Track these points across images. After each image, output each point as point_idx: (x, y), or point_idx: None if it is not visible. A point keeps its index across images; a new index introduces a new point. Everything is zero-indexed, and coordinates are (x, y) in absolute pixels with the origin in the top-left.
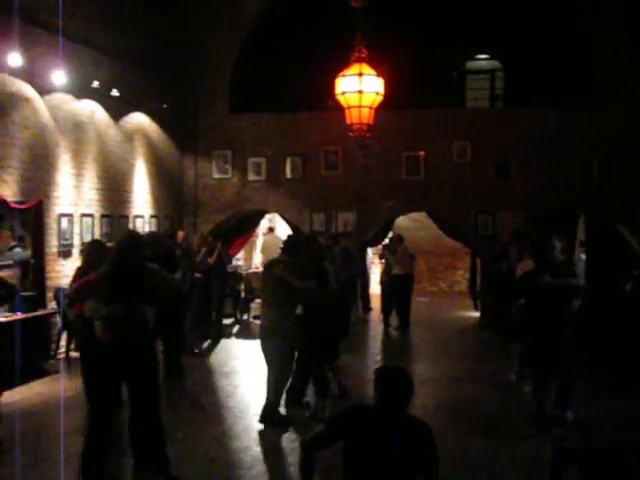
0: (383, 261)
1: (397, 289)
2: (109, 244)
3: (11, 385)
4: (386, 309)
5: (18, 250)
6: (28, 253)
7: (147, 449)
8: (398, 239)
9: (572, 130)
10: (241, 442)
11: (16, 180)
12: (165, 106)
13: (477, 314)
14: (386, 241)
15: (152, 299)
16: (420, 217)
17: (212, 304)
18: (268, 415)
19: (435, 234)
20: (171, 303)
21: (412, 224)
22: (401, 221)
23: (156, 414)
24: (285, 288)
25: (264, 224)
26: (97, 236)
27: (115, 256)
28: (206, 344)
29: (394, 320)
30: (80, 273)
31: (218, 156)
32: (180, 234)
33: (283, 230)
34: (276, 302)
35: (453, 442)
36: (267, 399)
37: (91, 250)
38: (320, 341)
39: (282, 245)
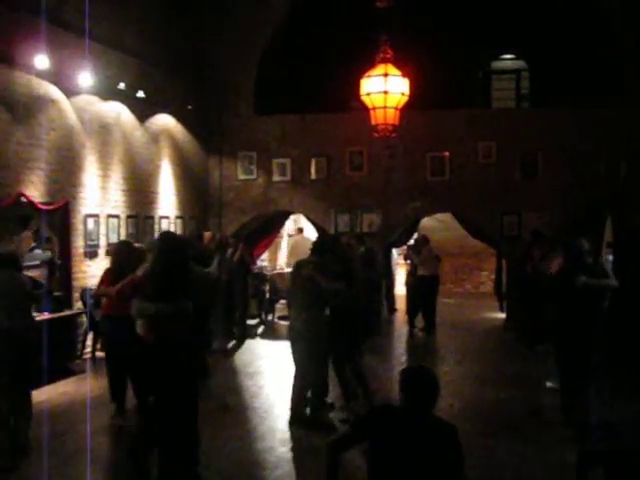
0: (408, 262)
1: (422, 290)
2: (137, 244)
3: (38, 385)
4: (411, 311)
5: (38, 252)
6: (48, 254)
7: (180, 449)
8: (423, 240)
9: (599, 130)
10: (266, 443)
11: (43, 181)
12: (190, 107)
13: (503, 315)
14: (411, 242)
15: (195, 297)
16: (445, 218)
17: (236, 305)
18: (296, 416)
19: (460, 235)
20: (208, 301)
21: (437, 225)
22: (426, 222)
23: (194, 418)
24: (314, 289)
25: (289, 225)
26: (123, 237)
27: (161, 255)
28: (231, 344)
29: (419, 322)
30: (110, 275)
31: (243, 157)
32: (207, 235)
33: (309, 231)
34: (305, 304)
35: (479, 444)
36: (292, 401)
37: (119, 251)
38: (346, 342)
39: (311, 246)
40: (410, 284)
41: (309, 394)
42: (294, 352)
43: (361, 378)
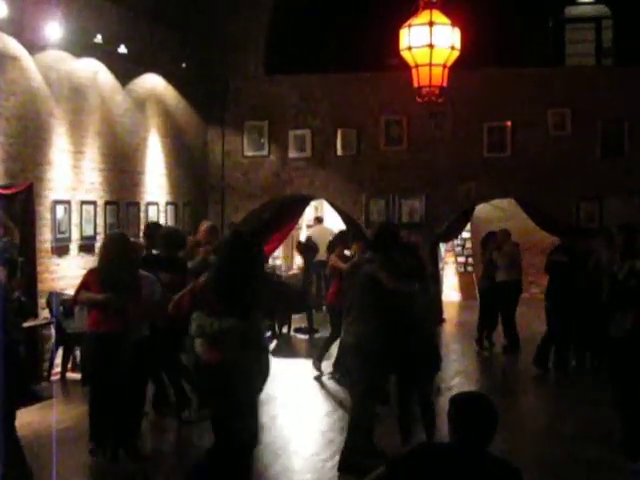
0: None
1: (502, 300)
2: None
3: None
4: (484, 325)
5: None
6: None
7: None
8: (504, 235)
9: None
10: None
11: (0, 159)
12: (185, 66)
13: None
14: (465, 235)
15: (269, 310)
16: (506, 205)
17: None
18: (347, 461)
19: (525, 227)
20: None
21: (495, 214)
22: (482, 210)
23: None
24: (377, 294)
25: (309, 214)
26: (100, 228)
27: (229, 259)
28: None
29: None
30: (96, 276)
31: (251, 128)
32: (203, 227)
33: (333, 221)
34: (364, 312)
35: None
36: (346, 438)
37: (112, 246)
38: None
39: (372, 239)
40: (484, 291)
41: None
42: (347, 372)
43: (428, 412)
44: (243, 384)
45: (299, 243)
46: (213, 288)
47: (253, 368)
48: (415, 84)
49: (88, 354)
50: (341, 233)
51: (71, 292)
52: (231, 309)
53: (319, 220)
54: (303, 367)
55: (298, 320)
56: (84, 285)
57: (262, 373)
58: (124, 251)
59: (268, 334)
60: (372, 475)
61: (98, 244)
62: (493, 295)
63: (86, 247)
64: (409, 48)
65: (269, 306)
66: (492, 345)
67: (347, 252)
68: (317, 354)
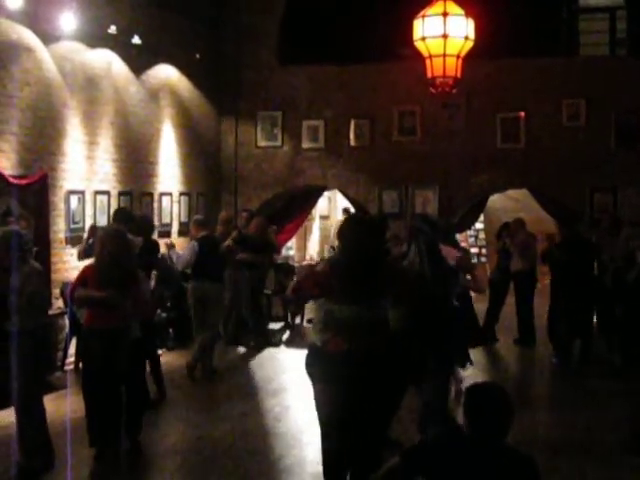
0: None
1: (516, 290)
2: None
3: (5, 404)
4: (493, 317)
5: None
6: None
7: None
8: (518, 224)
9: None
10: (293, 477)
11: (15, 149)
12: (198, 56)
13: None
14: (478, 225)
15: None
16: (519, 195)
17: (250, 304)
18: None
19: (538, 217)
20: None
21: (509, 204)
22: (495, 201)
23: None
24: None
25: (322, 204)
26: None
27: (353, 242)
28: (244, 353)
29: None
30: (94, 273)
31: (264, 118)
32: (223, 215)
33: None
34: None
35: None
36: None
37: (112, 242)
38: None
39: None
40: (495, 282)
41: None
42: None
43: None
44: (373, 375)
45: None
46: (340, 274)
47: (381, 357)
48: (429, 75)
49: (86, 351)
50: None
51: None
52: (358, 296)
53: (347, 212)
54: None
55: (311, 310)
56: (81, 281)
57: (399, 362)
58: (122, 246)
59: (280, 325)
60: (387, 466)
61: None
62: (504, 287)
63: None
64: (423, 38)
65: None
66: (495, 340)
67: None
68: None
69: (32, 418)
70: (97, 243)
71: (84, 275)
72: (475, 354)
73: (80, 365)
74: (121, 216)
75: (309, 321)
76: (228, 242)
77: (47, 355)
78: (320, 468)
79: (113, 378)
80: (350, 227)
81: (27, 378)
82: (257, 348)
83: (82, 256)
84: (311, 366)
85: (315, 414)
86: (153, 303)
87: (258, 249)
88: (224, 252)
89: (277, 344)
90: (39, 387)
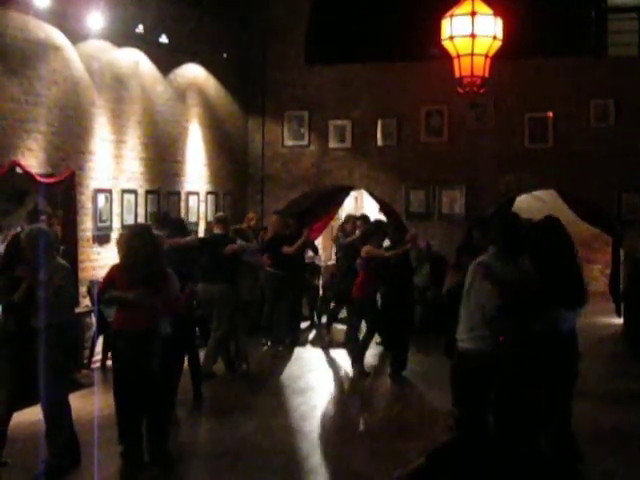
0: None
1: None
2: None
3: (33, 401)
4: None
5: None
6: None
7: None
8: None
9: None
10: (319, 477)
11: (43, 148)
12: (225, 56)
13: (620, 321)
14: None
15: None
16: (547, 196)
17: (287, 304)
18: None
19: (566, 218)
20: None
21: (537, 205)
22: (523, 201)
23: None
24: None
25: (349, 204)
26: (141, 218)
27: (546, 245)
28: (270, 352)
29: None
30: (122, 273)
31: (291, 118)
32: (250, 216)
33: (371, 212)
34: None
35: (592, 472)
36: None
37: (137, 240)
38: None
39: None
40: None
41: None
42: None
43: None
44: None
45: None
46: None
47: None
48: (457, 74)
49: (115, 353)
50: (379, 223)
51: None
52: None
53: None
54: (341, 357)
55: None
56: (110, 282)
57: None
58: (151, 245)
59: (306, 324)
60: (411, 467)
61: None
62: None
63: None
64: (451, 38)
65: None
66: None
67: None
68: (354, 356)
69: (60, 415)
70: (123, 242)
71: (112, 275)
72: None
73: (107, 363)
74: (154, 218)
75: (334, 320)
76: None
77: (74, 352)
78: (344, 467)
79: (144, 379)
80: (544, 230)
81: (54, 374)
82: (288, 345)
83: None
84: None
85: (341, 413)
86: (184, 300)
87: (272, 249)
88: (229, 253)
89: (303, 343)
90: (66, 384)
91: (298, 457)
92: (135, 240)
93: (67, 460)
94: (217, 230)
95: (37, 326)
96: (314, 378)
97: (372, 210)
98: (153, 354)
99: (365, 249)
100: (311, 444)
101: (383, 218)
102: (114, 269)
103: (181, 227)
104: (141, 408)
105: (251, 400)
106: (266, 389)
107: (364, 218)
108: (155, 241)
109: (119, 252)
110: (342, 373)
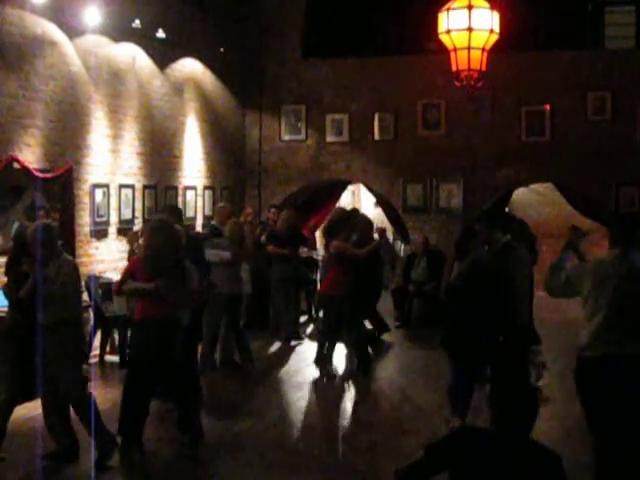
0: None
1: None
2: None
3: (31, 396)
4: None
5: None
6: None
7: None
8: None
9: None
10: (317, 470)
11: (40, 143)
12: (222, 50)
13: None
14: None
15: None
16: (545, 190)
17: (285, 299)
18: None
19: (564, 212)
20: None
21: (535, 198)
22: (520, 195)
23: None
24: None
25: (346, 198)
26: (138, 212)
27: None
28: (268, 346)
29: None
30: (142, 265)
31: (288, 112)
32: (247, 212)
33: (365, 206)
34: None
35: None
36: None
37: (157, 233)
38: None
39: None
40: None
41: None
42: None
43: None
44: None
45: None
46: None
47: None
48: (454, 68)
49: (141, 341)
50: (343, 215)
51: (110, 275)
52: None
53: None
54: (339, 351)
55: None
56: (129, 274)
57: None
58: (170, 238)
59: (304, 318)
60: (410, 462)
61: (136, 228)
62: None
63: (124, 231)
64: (448, 31)
65: None
66: None
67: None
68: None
69: (83, 406)
70: (146, 236)
71: (131, 268)
72: None
73: (105, 358)
74: (171, 210)
75: None
76: (262, 239)
77: (83, 347)
78: (342, 461)
79: (165, 369)
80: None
81: (70, 370)
82: (284, 340)
83: None
84: None
85: (339, 410)
86: (204, 290)
87: (290, 243)
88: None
89: (300, 337)
90: (78, 377)
91: (296, 450)
92: (160, 234)
93: (64, 453)
94: (214, 222)
95: (43, 322)
96: (312, 372)
97: (369, 204)
98: (175, 341)
99: (334, 244)
100: (309, 437)
101: (378, 211)
102: (134, 262)
103: (178, 216)
104: (148, 402)
105: (248, 394)
106: (264, 383)
107: (355, 211)
108: (174, 234)
109: (129, 244)
110: (340, 367)
